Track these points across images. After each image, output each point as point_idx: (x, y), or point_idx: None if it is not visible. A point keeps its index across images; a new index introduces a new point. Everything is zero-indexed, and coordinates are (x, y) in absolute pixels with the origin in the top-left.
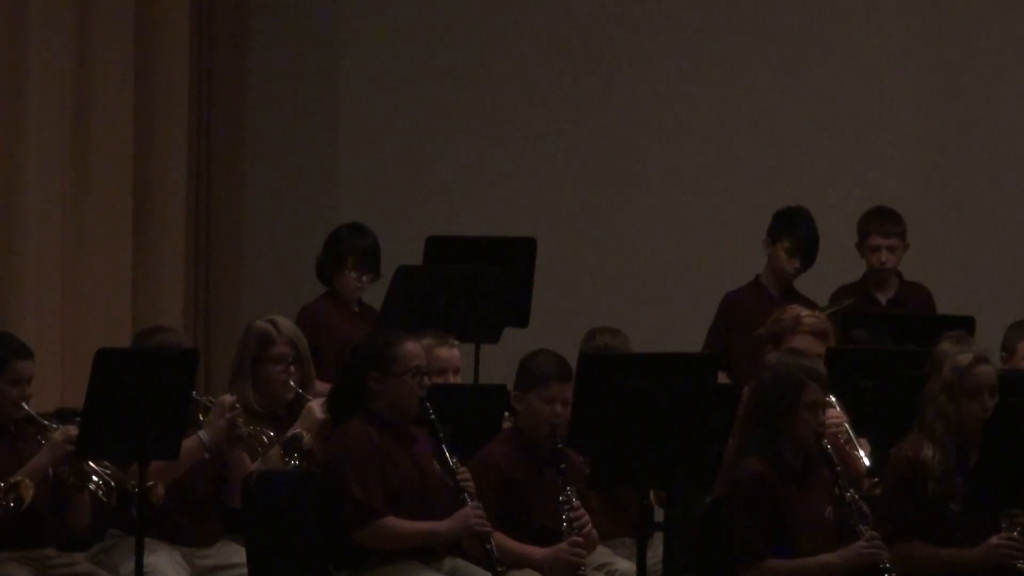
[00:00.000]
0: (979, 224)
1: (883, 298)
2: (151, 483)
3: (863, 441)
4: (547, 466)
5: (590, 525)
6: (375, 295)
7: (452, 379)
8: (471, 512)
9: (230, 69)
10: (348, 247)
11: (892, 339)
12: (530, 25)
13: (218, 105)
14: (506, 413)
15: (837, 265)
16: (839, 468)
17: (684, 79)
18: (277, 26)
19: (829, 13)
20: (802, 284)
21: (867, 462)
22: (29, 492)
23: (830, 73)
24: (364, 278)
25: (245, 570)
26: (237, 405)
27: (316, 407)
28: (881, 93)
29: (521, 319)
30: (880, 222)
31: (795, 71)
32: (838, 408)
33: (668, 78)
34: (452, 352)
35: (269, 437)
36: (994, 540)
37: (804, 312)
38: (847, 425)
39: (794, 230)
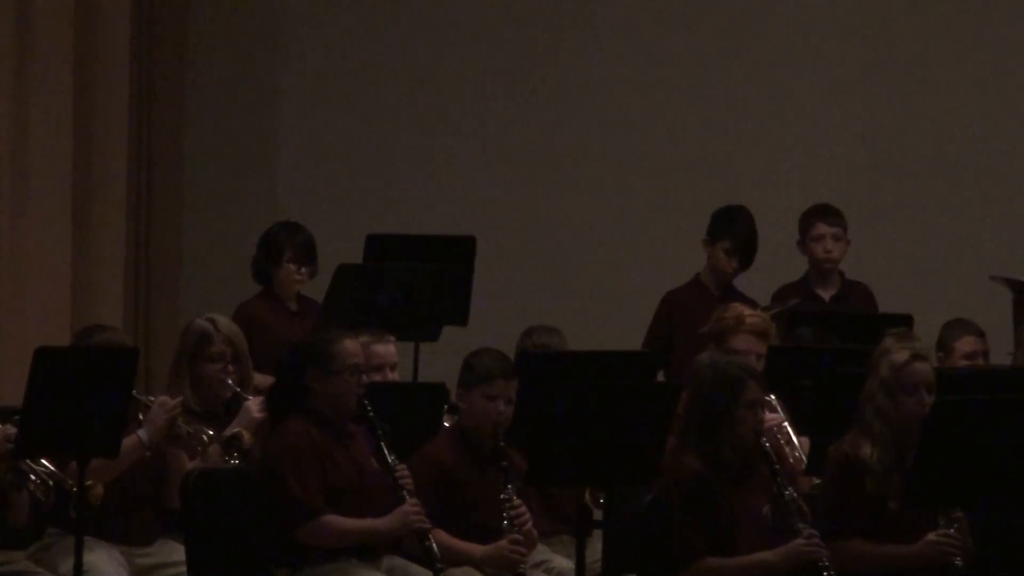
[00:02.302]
0: (919, 223)
1: (825, 295)
2: (90, 483)
3: (803, 439)
4: (489, 464)
5: (531, 523)
6: (315, 294)
7: (389, 375)
8: (410, 509)
9: (170, 68)
10: (284, 241)
11: (836, 337)
12: (471, 23)
13: (158, 104)
14: (445, 407)
15: (779, 264)
16: (778, 466)
17: (624, 78)
18: (218, 26)
19: (772, 11)
20: (744, 283)
21: (805, 460)
22: None
23: (771, 72)
24: (303, 269)
25: (184, 569)
26: (178, 403)
27: (253, 406)
28: (822, 93)
29: (460, 317)
30: (823, 213)
31: (736, 70)
32: (777, 406)
33: (608, 77)
34: (388, 348)
35: (208, 436)
36: (931, 537)
37: (747, 311)
38: (786, 423)
39: (733, 230)
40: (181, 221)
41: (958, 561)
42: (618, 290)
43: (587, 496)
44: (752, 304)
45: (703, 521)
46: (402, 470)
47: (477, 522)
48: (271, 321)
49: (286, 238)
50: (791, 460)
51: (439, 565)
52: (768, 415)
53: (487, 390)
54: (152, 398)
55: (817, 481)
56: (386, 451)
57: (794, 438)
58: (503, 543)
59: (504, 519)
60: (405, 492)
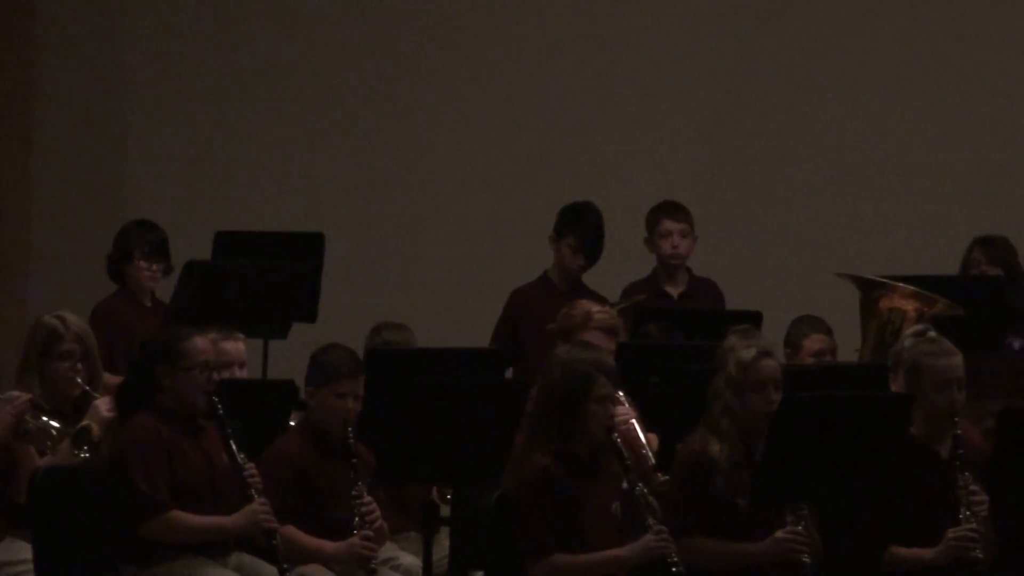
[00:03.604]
0: (766, 220)
1: (674, 292)
2: None
3: (651, 436)
4: (339, 460)
5: (381, 519)
6: (168, 291)
7: (238, 372)
8: (258, 508)
9: (17, 65)
10: (135, 240)
11: (683, 334)
12: (318, 22)
13: (4, 99)
14: (294, 404)
15: (628, 261)
16: (628, 462)
17: (471, 74)
18: (64, 25)
19: (616, 7)
20: (593, 280)
21: (653, 457)
22: None
23: (617, 68)
24: (154, 267)
25: (31, 566)
26: (27, 399)
27: (102, 405)
28: (669, 90)
29: (309, 314)
30: (669, 210)
31: (582, 66)
32: (627, 402)
33: (455, 74)
34: (237, 345)
35: (57, 430)
36: (779, 534)
37: (595, 308)
38: (635, 420)
39: (579, 227)
40: (28, 219)
41: (806, 558)
42: (466, 287)
43: (434, 492)
44: (600, 301)
45: (551, 517)
46: (251, 469)
47: (328, 518)
48: (128, 318)
49: (137, 236)
50: (641, 457)
51: (285, 565)
52: (617, 410)
53: (335, 387)
54: None
55: (665, 478)
56: (235, 449)
57: (642, 435)
58: (354, 539)
59: (355, 515)
60: (253, 491)
